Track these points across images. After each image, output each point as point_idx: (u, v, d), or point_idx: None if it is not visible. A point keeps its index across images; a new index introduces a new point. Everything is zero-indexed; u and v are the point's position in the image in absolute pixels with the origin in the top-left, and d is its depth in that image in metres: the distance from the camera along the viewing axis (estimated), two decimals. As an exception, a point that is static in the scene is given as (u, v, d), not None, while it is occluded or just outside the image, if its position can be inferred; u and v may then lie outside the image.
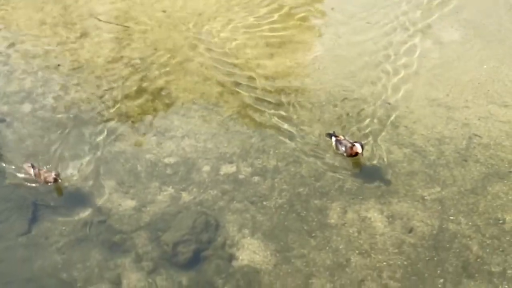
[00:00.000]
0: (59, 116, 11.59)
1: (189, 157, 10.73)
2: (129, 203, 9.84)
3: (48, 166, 10.38)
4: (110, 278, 8.66)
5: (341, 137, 10.53)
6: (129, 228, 9.40)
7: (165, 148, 10.90)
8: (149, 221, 9.55)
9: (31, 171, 10.04)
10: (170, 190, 10.11)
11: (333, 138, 10.59)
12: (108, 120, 11.47)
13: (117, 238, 9.27)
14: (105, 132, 11.18)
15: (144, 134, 11.23)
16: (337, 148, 10.46)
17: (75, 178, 10.30)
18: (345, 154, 10.33)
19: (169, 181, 10.27)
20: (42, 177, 9.91)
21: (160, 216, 9.52)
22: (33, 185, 10.05)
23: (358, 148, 10.04)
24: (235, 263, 8.96)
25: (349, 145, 10.21)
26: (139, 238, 9.26)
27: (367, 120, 11.33)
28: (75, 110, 11.70)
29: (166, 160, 10.69)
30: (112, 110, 11.68)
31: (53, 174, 9.81)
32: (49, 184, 9.87)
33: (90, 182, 10.21)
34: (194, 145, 11.00)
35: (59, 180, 9.85)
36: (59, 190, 10.02)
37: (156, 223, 9.50)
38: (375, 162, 10.51)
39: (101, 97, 12.02)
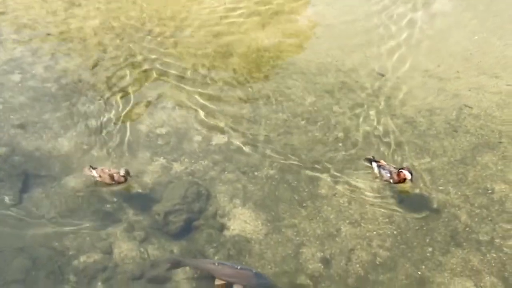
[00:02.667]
0: (49, 85, 11.51)
1: (180, 128, 10.71)
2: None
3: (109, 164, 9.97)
4: (102, 248, 8.70)
5: (383, 162, 9.59)
6: (120, 198, 9.41)
7: (156, 119, 10.87)
8: (140, 191, 9.56)
9: (93, 173, 9.44)
10: (162, 160, 10.12)
11: (374, 164, 9.61)
12: (99, 91, 11.40)
13: (108, 208, 9.28)
14: (95, 103, 11.12)
15: (136, 104, 11.19)
16: (380, 174, 9.46)
17: (66, 148, 10.27)
18: (391, 181, 9.30)
19: (161, 152, 10.26)
20: (108, 177, 9.33)
21: (151, 186, 9.54)
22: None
23: (407, 175, 9.08)
24: (226, 233, 9.01)
25: (394, 170, 9.25)
26: (130, 208, 9.28)
27: (359, 91, 11.34)
28: (65, 80, 11.62)
29: (158, 131, 10.67)
30: (103, 81, 11.61)
31: (122, 172, 9.27)
32: (120, 183, 9.37)
33: (82, 153, 10.18)
34: (185, 115, 10.97)
35: (130, 176, 9.37)
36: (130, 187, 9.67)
37: (148, 193, 9.52)
38: (365, 134, 10.54)
39: (92, 67, 11.94)
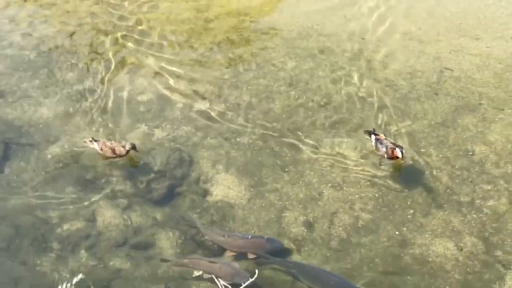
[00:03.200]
0: (27, 53, 11.37)
1: (161, 94, 10.66)
2: (126, 147, 9.75)
3: (110, 137, 9.85)
4: (85, 216, 8.68)
5: (382, 136, 9.47)
6: (103, 165, 9.37)
7: (137, 86, 10.81)
8: (123, 158, 9.52)
9: (95, 145, 9.29)
10: (144, 127, 10.08)
11: (373, 137, 9.53)
12: (78, 58, 11.29)
13: (91, 176, 9.25)
14: (76, 70, 11.02)
15: (116, 71, 11.10)
16: (376, 148, 9.37)
17: (45, 116, 10.20)
18: (385, 156, 9.24)
19: (142, 118, 10.22)
20: (109, 150, 9.21)
21: (133, 153, 9.50)
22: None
23: (398, 153, 9.01)
24: (209, 198, 9.03)
25: (390, 146, 9.17)
26: (113, 176, 9.26)
27: (340, 55, 11.32)
28: (44, 47, 11.48)
29: (139, 98, 10.62)
30: (82, 47, 11.49)
31: (128, 146, 9.12)
32: (120, 156, 9.25)
33: (62, 121, 10.11)
34: (166, 82, 10.91)
35: (137, 151, 9.26)
36: (132, 160, 9.52)
37: (130, 161, 9.48)
38: (346, 97, 10.55)
39: (71, 34, 11.79)
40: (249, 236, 8.21)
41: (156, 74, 11.00)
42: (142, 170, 9.32)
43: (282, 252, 8.20)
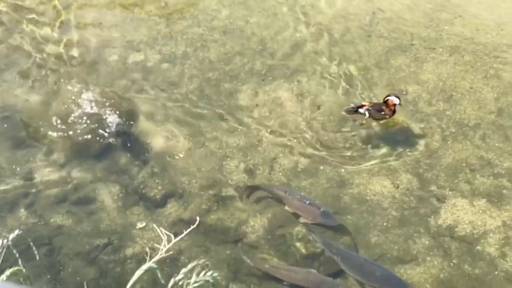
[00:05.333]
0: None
1: (94, 48, 10.42)
2: (36, 98, 9.54)
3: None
4: (22, 174, 8.51)
5: (366, 103, 9.01)
6: (37, 122, 9.17)
7: (68, 39, 10.52)
8: (57, 114, 9.33)
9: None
10: (78, 83, 9.87)
11: (362, 110, 8.94)
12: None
13: (25, 133, 9.03)
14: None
15: (47, 25, 10.77)
16: (372, 116, 8.93)
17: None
18: (387, 116, 8.91)
19: (75, 74, 9.99)
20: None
21: (67, 109, 9.32)
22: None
23: (394, 100, 8.71)
24: (148, 150, 8.98)
25: (382, 104, 8.84)
26: (48, 132, 9.08)
27: (274, 1, 11.27)
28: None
29: (71, 52, 10.35)
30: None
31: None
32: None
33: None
34: (98, 34, 10.66)
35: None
36: None
37: (65, 116, 9.30)
38: (282, 43, 10.56)
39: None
40: (307, 201, 8.02)
41: (87, 26, 10.72)
42: (78, 124, 9.17)
43: (334, 230, 8.04)
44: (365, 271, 7.42)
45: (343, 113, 9.19)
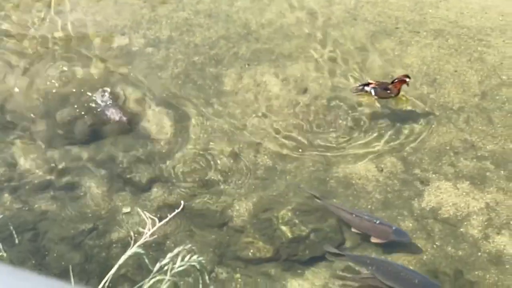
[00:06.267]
0: None
1: (78, 32, 10.35)
2: (21, 83, 9.47)
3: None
4: (5, 159, 8.45)
5: (372, 81, 9.04)
6: (21, 108, 9.12)
7: (53, 23, 10.44)
8: (42, 99, 9.28)
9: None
10: (61, 67, 9.81)
11: (368, 88, 9.00)
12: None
13: (8, 119, 9.00)
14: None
15: (29, 10, 10.68)
16: (377, 94, 8.96)
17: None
18: (392, 95, 8.94)
19: (59, 57, 9.93)
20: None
21: (53, 94, 9.27)
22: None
23: (406, 79, 8.82)
24: (133, 135, 8.95)
25: (388, 83, 8.93)
26: (32, 118, 9.03)
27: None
28: None
29: (55, 34, 10.27)
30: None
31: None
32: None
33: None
34: (82, 18, 10.59)
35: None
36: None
37: (50, 101, 9.26)
38: (267, 27, 10.54)
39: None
40: (377, 221, 7.69)
41: (71, 10, 10.65)
42: (64, 110, 9.13)
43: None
44: (402, 278, 7.21)
45: (352, 92, 9.28)
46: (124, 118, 8.93)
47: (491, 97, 9.48)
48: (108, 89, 9.28)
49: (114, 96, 9.29)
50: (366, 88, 9.04)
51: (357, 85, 9.27)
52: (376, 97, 9.07)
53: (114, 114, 8.95)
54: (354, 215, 7.78)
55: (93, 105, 9.14)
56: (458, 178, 8.40)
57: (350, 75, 9.77)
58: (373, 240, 7.68)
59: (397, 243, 7.64)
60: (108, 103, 9.08)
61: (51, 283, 2.77)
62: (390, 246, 7.66)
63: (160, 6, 10.83)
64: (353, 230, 7.77)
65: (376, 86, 8.98)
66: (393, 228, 7.63)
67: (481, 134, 8.98)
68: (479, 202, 8.12)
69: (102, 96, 9.17)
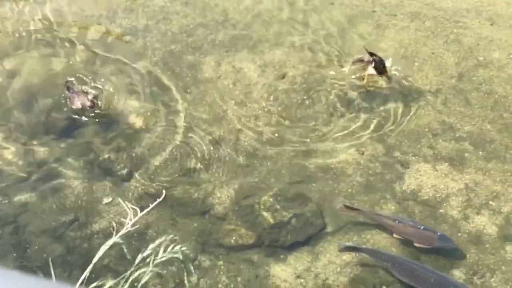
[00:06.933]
0: None
1: (54, 22, 10.25)
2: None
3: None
4: (-16, 152, 8.44)
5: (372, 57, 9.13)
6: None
7: (27, 15, 10.33)
8: (19, 90, 9.19)
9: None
10: (38, 58, 9.72)
11: (369, 58, 9.14)
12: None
13: (-14, 112, 8.94)
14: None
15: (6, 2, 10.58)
16: (376, 66, 9.10)
17: None
18: (388, 72, 9.24)
19: (36, 48, 9.84)
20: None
21: (31, 85, 9.18)
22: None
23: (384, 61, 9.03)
24: (113, 126, 8.90)
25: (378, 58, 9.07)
26: (11, 110, 8.96)
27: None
28: None
29: (32, 26, 10.17)
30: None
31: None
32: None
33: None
34: (58, 9, 10.49)
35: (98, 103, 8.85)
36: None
37: (27, 92, 9.18)
38: (244, 13, 10.51)
39: None
40: (421, 227, 7.52)
41: (46, 2, 10.54)
42: (41, 102, 9.06)
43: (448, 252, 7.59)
44: (420, 277, 7.12)
45: (351, 62, 9.51)
46: (88, 104, 8.81)
47: (468, 79, 9.55)
48: (73, 78, 9.20)
49: (93, 87, 9.24)
50: (366, 58, 9.15)
51: (358, 56, 9.42)
52: (372, 71, 9.15)
53: (82, 101, 8.84)
54: (397, 222, 7.65)
55: (72, 96, 9.05)
56: (437, 160, 8.47)
57: (328, 60, 9.78)
58: (417, 245, 7.55)
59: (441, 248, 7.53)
60: (75, 91, 8.97)
61: (34, 281, 2.74)
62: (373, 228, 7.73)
63: (136, -6, 10.77)
64: (395, 236, 7.67)
65: (376, 60, 9.07)
66: (438, 234, 7.51)
67: (459, 115, 9.05)
68: (458, 183, 8.19)
69: (69, 86, 9.06)
